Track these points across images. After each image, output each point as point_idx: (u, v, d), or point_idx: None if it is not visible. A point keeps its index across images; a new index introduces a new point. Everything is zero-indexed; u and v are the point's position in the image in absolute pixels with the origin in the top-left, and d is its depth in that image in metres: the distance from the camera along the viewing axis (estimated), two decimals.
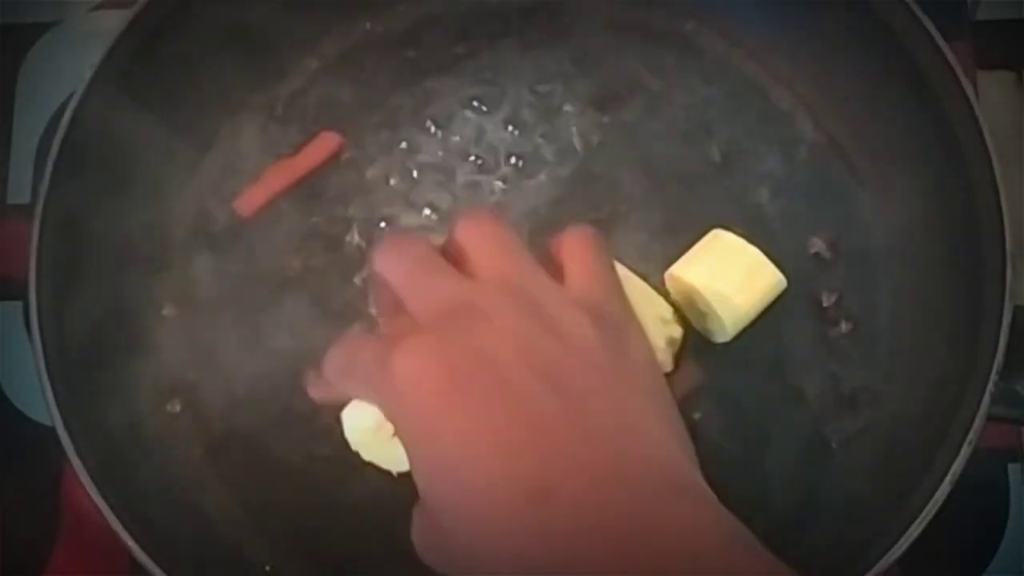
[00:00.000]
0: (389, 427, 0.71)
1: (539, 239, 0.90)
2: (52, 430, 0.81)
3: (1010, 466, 0.92)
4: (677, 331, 0.87)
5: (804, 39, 0.93)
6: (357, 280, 0.91)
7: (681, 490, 0.62)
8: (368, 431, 0.81)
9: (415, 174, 0.94)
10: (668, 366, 0.88)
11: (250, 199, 0.93)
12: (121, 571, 0.89)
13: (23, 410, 0.94)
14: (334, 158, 0.94)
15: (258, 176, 0.94)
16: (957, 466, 0.78)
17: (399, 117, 0.96)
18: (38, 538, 0.92)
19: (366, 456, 0.82)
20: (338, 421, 0.81)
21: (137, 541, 0.79)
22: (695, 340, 0.89)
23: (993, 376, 0.79)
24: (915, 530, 0.78)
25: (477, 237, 0.69)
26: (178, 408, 0.90)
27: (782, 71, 0.95)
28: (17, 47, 1.03)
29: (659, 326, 0.87)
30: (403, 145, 0.95)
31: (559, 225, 0.91)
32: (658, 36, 0.97)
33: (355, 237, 0.93)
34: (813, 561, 0.85)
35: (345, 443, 0.88)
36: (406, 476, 0.66)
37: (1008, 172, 0.83)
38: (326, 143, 0.94)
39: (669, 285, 0.89)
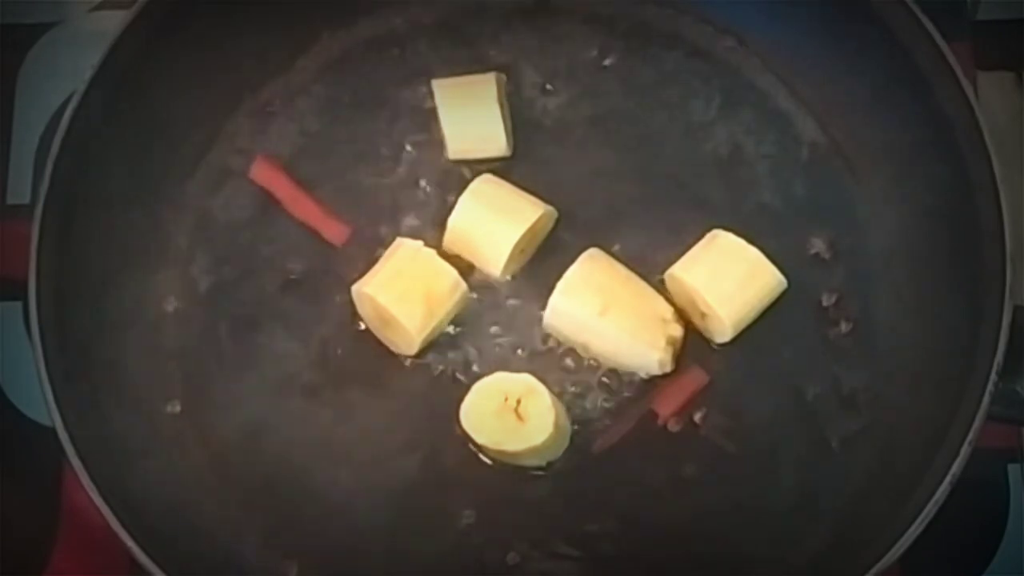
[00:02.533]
0: (510, 410, 0.83)
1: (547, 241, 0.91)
2: (52, 431, 0.81)
3: (1010, 466, 0.92)
4: (678, 330, 0.88)
5: (805, 40, 0.93)
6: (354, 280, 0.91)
7: None
8: (490, 414, 0.84)
9: (415, 176, 0.94)
10: (669, 366, 0.88)
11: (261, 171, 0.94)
12: (121, 571, 0.89)
13: (23, 410, 0.94)
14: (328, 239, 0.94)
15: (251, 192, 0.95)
16: (957, 466, 0.78)
17: (398, 116, 0.96)
18: (38, 538, 0.91)
19: (480, 439, 0.85)
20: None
21: (136, 541, 0.79)
22: (695, 341, 0.89)
23: (993, 376, 0.79)
24: (916, 530, 0.78)
25: None
26: (178, 409, 0.90)
27: (783, 72, 0.95)
28: (17, 47, 1.03)
29: (659, 325, 0.87)
30: (401, 148, 0.95)
31: (561, 225, 0.92)
32: (660, 37, 0.97)
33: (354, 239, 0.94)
34: (814, 560, 0.85)
35: (341, 447, 0.88)
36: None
37: (1008, 173, 0.83)
38: (333, 229, 0.94)
39: (669, 286, 0.89)
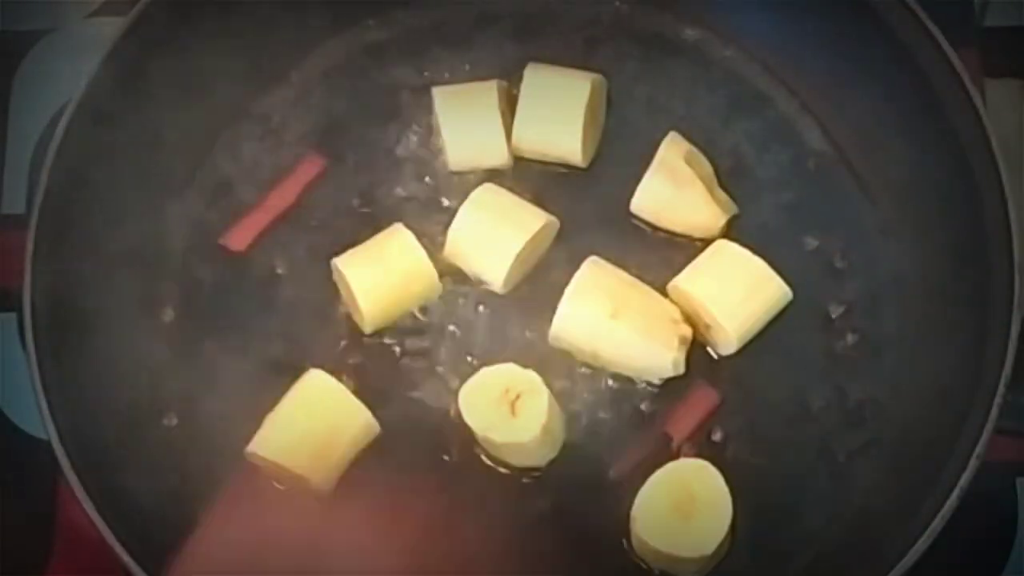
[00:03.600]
0: (507, 402, 0.83)
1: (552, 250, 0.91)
2: (47, 444, 0.80)
3: (1018, 480, 0.92)
4: (687, 330, 0.87)
5: (810, 47, 0.93)
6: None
7: None
8: (488, 400, 0.84)
9: (415, 185, 0.94)
10: (681, 367, 0.87)
11: (241, 234, 0.93)
12: None
13: (18, 423, 0.93)
14: (318, 179, 0.94)
15: (248, 203, 0.94)
16: (965, 480, 0.78)
17: (396, 125, 0.95)
18: (34, 551, 0.91)
19: (469, 420, 0.84)
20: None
21: (131, 554, 0.78)
22: (702, 357, 0.88)
23: (1001, 389, 0.78)
24: (923, 544, 0.77)
25: None
26: (175, 421, 0.89)
27: (789, 80, 0.95)
28: (12, 54, 1.03)
29: (670, 327, 0.86)
30: (400, 157, 0.95)
31: (567, 231, 0.91)
32: (664, 43, 0.96)
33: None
34: (822, 574, 0.84)
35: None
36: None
37: (1016, 180, 0.83)
38: (310, 167, 0.94)
39: (673, 297, 0.88)
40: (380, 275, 0.88)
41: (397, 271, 0.88)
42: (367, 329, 0.89)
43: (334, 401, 0.86)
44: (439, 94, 0.93)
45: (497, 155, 0.92)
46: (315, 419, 0.85)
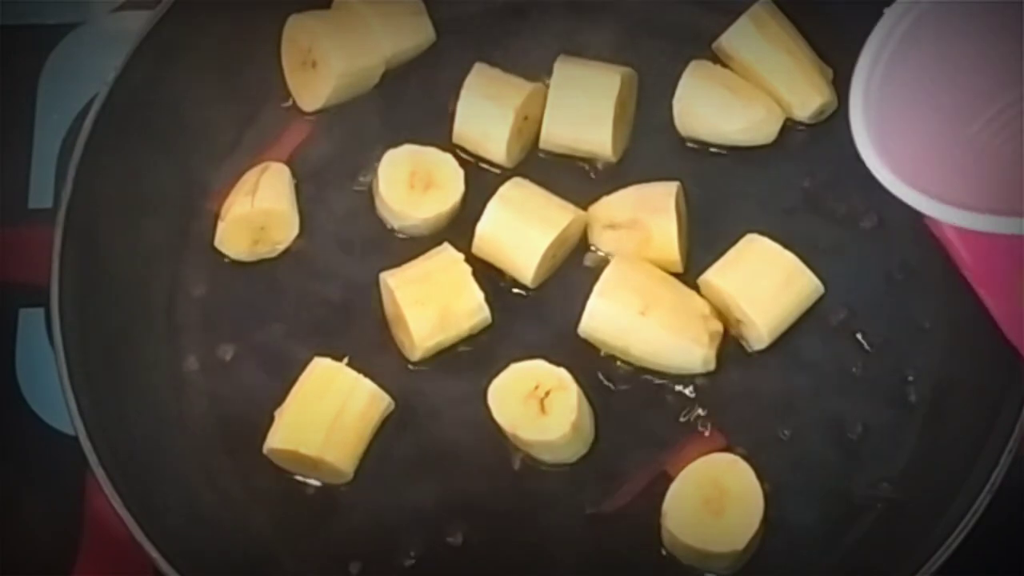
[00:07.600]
0: (536, 399, 0.82)
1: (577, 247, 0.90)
2: (75, 439, 0.81)
3: None
4: (718, 326, 0.86)
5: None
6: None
7: None
8: (517, 398, 0.84)
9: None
10: (712, 363, 0.86)
11: None
12: None
13: (45, 419, 0.93)
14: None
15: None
16: (997, 475, 0.77)
17: (427, 112, 0.95)
18: (61, 547, 0.91)
19: (499, 418, 0.84)
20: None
21: (159, 550, 0.79)
22: (733, 347, 0.88)
23: None
24: (955, 540, 0.77)
25: None
26: (204, 418, 0.88)
27: None
28: (39, 48, 1.03)
29: (700, 323, 0.86)
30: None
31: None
32: (695, 37, 0.95)
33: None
34: (852, 571, 0.84)
35: (364, 464, 0.87)
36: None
37: None
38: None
39: (704, 291, 0.88)
40: (442, 335, 0.88)
41: (460, 325, 0.88)
42: (414, 358, 0.89)
43: (338, 380, 0.86)
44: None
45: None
46: (322, 401, 0.86)
